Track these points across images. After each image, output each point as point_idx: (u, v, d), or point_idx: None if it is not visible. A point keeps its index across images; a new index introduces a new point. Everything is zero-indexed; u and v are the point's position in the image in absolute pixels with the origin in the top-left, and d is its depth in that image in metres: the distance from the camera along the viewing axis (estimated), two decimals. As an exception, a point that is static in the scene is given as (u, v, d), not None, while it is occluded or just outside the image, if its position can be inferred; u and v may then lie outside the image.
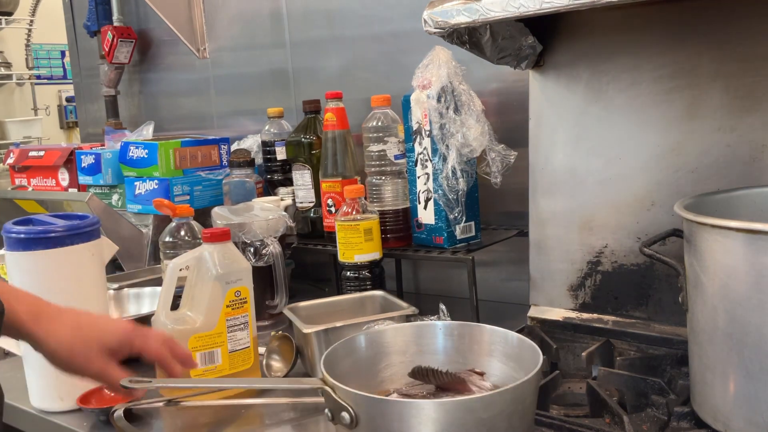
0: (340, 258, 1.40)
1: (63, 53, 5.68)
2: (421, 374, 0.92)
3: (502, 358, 0.93)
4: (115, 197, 1.88)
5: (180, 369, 0.93)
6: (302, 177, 1.63)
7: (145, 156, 1.72)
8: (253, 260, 1.37)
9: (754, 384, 0.80)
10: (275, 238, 1.41)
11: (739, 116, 1.08)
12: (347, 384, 0.81)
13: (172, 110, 2.33)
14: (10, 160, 2.14)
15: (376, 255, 1.38)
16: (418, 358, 0.97)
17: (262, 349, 1.22)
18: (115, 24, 2.33)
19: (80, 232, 1.11)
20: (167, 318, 1.11)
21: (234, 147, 1.84)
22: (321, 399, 0.84)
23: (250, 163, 1.70)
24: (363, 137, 1.47)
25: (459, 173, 1.32)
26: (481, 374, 0.93)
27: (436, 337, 0.98)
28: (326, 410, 0.83)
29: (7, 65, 5.40)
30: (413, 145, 1.38)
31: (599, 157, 1.22)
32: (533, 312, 1.30)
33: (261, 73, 2.01)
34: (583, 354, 1.11)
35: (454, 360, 0.96)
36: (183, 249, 1.35)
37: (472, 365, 0.95)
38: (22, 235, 1.08)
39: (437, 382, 0.91)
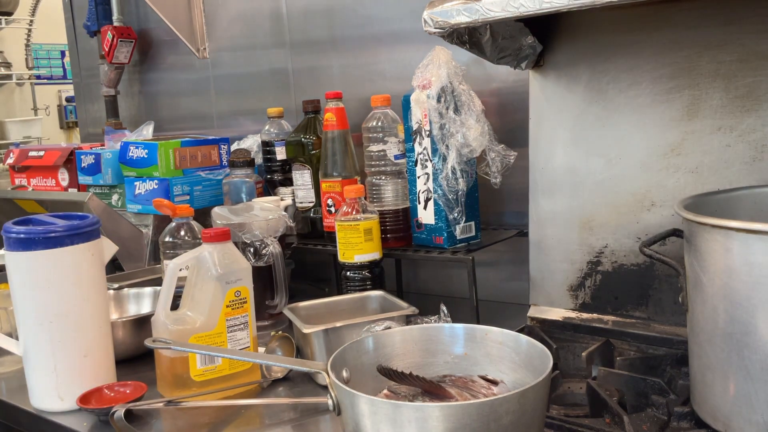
0: (340, 258, 1.40)
1: (63, 53, 5.68)
2: (388, 374, 0.90)
3: (511, 362, 0.93)
4: (115, 197, 1.88)
5: None
6: (302, 177, 1.63)
7: (145, 156, 1.72)
8: (253, 260, 1.37)
9: (754, 384, 0.80)
10: (275, 238, 1.41)
11: (739, 116, 1.08)
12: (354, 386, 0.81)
13: (172, 110, 2.33)
14: (10, 160, 2.14)
15: (376, 255, 1.38)
16: (426, 360, 0.96)
17: (262, 349, 1.22)
18: (115, 24, 2.33)
19: (80, 232, 1.11)
20: (167, 318, 1.11)
21: (234, 147, 1.84)
22: (321, 399, 0.84)
23: (250, 163, 1.70)
24: (363, 137, 1.47)
25: (459, 173, 1.32)
26: (495, 382, 0.93)
27: (445, 339, 0.98)
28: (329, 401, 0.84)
29: (7, 65, 5.40)
30: (413, 145, 1.38)
31: (599, 157, 1.22)
32: (533, 312, 1.30)
33: (261, 73, 2.01)
34: (583, 354, 1.11)
35: (464, 363, 0.96)
36: (183, 249, 1.35)
37: (481, 368, 0.95)
38: (22, 235, 1.08)
39: (402, 383, 0.90)
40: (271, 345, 1.21)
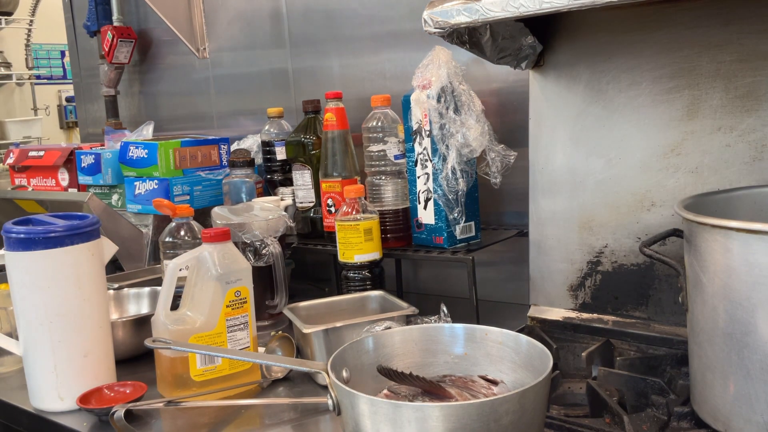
0: (340, 258, 1.40)
1: (63, 53, 5.68)
2: (388, 374, 0.90)
3: (511, 362, 0.92)
4: (115, 197, 1.88)
5: None
6: (302, 177, 1.63)
7: (145, 156, 1.72)
8: (253, 260, 1.37)
9: (754, 384, 0.80)
10: (275, 238, 1.41)
11: (739, 116, 1.08)
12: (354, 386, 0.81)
13: (172, 110, 2.33)
14: (10, 160, 2.14)
15: (376, 255, 1.38)
16: (426, 360, 0.96)
17: (262, 349, 1.22)
18: (115, 24, 2.33)
19: (80, 232, 1.11)
20: (167, 318, 1.11)
21: (234, 147, 1.84)
22: (321, 399, 0.84)
23: (250, 163, 1.70)
24: (363, 137, 1.47)
25: (459, 173, 1.32)
26: (495, 382, 0.93)
27: (445, 339, 0.97)
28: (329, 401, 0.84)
29: (7, 65, 5.40)
30: (413, 145, 1.38)
31: (599, 157, 1.22)
32: (533, 312, 1.30)
33: (261, 73, 2.01)
34: (583, 354, 1.11)
35: (464, 363, 0.96)
36: (183, 249, 1.35)
37: (481, 368, 0.95)
38: (22, 235, 1.08)
39: (402, 383, 0.90)
40: (271, 345, 1.21)
